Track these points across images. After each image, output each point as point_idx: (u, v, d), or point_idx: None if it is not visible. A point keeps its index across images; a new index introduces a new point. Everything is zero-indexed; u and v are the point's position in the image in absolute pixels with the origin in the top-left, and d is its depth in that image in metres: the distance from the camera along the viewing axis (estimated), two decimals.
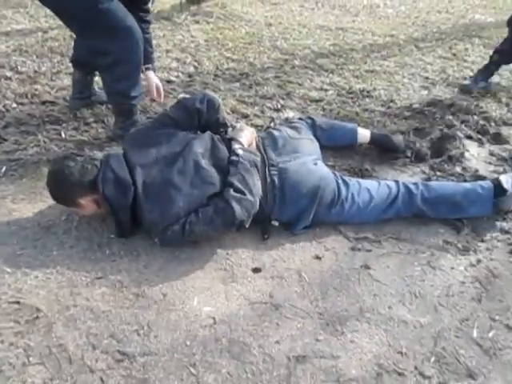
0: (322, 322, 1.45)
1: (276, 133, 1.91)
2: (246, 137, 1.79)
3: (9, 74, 2.78)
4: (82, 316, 1.39)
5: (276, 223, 1.77)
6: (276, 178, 1.72)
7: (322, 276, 1.61)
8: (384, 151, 2.28)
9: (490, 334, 1.46)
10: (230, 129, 1.86)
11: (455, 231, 1.86)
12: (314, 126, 2.11)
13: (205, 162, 1.64)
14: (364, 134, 2.24)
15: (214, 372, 1.28)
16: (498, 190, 1.86)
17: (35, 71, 2.83)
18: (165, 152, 1.67)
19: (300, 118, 2.18)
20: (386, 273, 1.65)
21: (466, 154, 2.35)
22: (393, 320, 1.48)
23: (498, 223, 1.91)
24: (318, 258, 1.68)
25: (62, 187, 1.61)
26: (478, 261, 1.73)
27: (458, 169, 2.24)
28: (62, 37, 3.43)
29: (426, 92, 3.06)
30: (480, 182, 1.92)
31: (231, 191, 1.55)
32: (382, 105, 2.81)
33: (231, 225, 1.55)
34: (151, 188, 1.57)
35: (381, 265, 1.68)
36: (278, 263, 1.64)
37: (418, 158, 2.29)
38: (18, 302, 1.41)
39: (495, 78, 3.16)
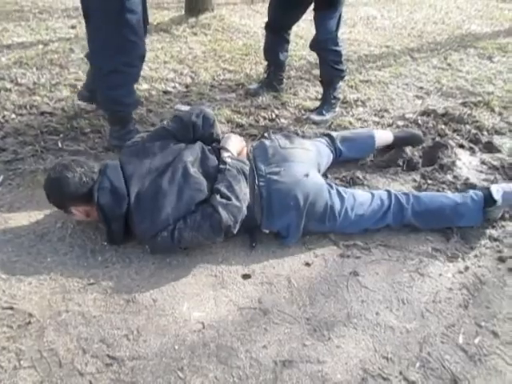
0: (309, 328, 1.47)
1: (267, 142, 1.93)
2: (235, 145, 1.84)
3: (9, 85, 2.85)
4: (74, 321, 1.42)
5: (266, 231, 1.79)
6: (264, 190, 1.73)
7: (311, 282, 1.64)
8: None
9: (476, 340, 1.48)
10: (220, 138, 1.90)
11: (444, 238, 1.88)
12: (332, 142, 2.16)
13: (194, 171, 1.68)
14: (383, 137, 2.33)
15: (201, 376, 1.30)
16: (488, 200, 1.88)
17: (34, 83, 2.89)
18: (157, 163, 1.71)
19: (320, 136, 2.25)
20: (375, 279, 1.67)
21: (458, 163, 2.38)
22: (379, 326, 1.50)
23: (487, 231, 1.93)
24: (307, 264, 1.71)
25: (57, 195, 1.66)
26: (466, 268, 1.75)
27: (450, 177, 2.27)
28: (62, 49, 3.50)
29: (419, 102, 3.10)
30: (471, 193, 1.93)
31: (218, 197, 1.59)
32: (375, 114, 2.85)
33: (218, 230, 1.57)
34: (143, 198, 1.61)
35: (369, 271, 1.71)
36: (267, 269, 1.67)
37: (410, 166, 2.32)
38: (11, 308, 1.44)
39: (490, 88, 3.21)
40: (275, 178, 1.76)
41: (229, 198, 1.58)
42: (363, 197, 1.86)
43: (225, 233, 1.59)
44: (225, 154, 1.77)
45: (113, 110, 2.15)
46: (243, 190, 1.65)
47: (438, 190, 2.16)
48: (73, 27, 4.09)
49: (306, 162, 1.90)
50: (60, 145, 2.28)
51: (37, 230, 1.76)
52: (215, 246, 1.73)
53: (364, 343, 1.44)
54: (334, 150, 2.14)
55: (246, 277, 1.63)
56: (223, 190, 1.61)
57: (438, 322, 1.53)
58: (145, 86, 3.00)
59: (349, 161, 2.27)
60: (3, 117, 2.49)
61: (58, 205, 1.70)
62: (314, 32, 2.66)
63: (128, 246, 1.71)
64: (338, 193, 1.82)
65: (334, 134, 2.23)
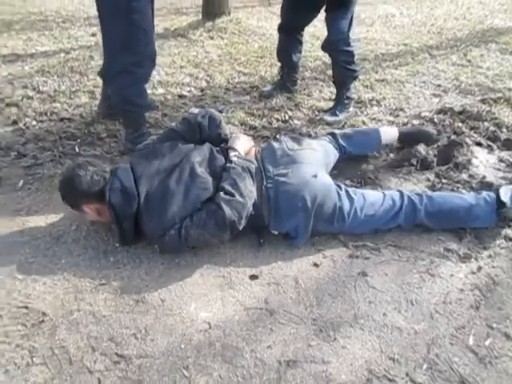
0: (315, 328, 1.47)
1: (275, 144, 1.94)
2: (243, 145, 1.86)
3: (31, 93, 2.95)
4: (85, 320, 1.47)
5: (275, 232, 1.80)
6: (271, 192, 1.74)
7: (319, 283, 1.64)
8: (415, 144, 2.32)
9: (487, 342, 1.45)
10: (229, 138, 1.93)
11: (457, 238, 1.85)
12: (335, 139, 2.16)
13: (201, 170, 1.72)
14: (390, 132, 2.29)
15: (206, 375, 1.32)
16: (498, 202, 1.85)
17: (55, 90, 2.99)
18: (166, 164, 1.75)
19: (324, 135, 2.25)
20: (384, 280, 1.66)
21: (474, 161, 2.33)
22: (387, 327, 1.48)
23: (503, 230, 1.89)
24: (315, 265, 1.71)
25: (70, 193, 1.73)
26: (479, 268, 1.72)
27: (465, 176, 2.22)
28: (82, 57, 3.60)
29: (437, 100, 3.04)
30: (484, 195, 1.89)
31: (221, 194, 1.62)
32: (391, 113, 2.82)
33: (223, 226, 1.59)
34: (152, 198, 1.65)
35: (379, 272, 1.69)
36: (275, 270, 1.68)
37: (424, 165, 2.29)
38: (26, 307, 1.50)
39: None
40: (283, 179, 1.77)
41: (232, 195, 1.62)
42: (374, 197, 1.85)
43: (230, 229, 1.61)
44: (232, 154, 1.80)
45: (124, 109, 2.21)
46: (248, 187, 1.67)
47: (452, 190, 2.12)
48: (93, 35, 4.20)
49: (314, 162, 1.89)
50: (77, 149, 2.35)
51: (53, 233, 1.82)
52: (223, 246, 1.75)
53: (370, 344, 1.43)
54: (337, 147, 2.14)
55: (253, 277, 1.64)
56: (227, 187, 1.64)
57: (448, 323, 1.51)
58: (160, 90, 3.06)
59: (356, 158, 2.26)
60: (24, 124, 2.58)
61: (71, 203, 1.77)
62: (323, 29, 2.65)
63: (139, 247, 1.75)
64: (347, 193, 1.81)
65: (336, 131, 2.23)
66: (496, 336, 1.47)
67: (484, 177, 2.21)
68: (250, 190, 1.67)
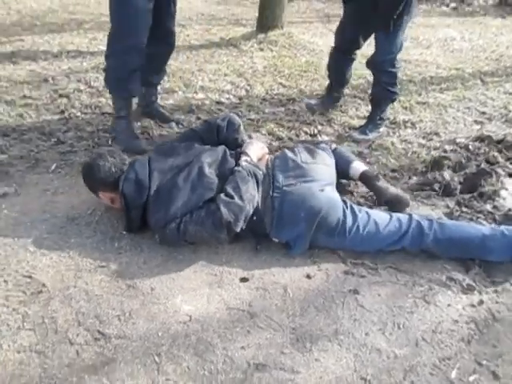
0: (293, 337, 1.47)
1: (289, 154, 1.95)
2: (256, 151, 1.92)
3: (82, 87, 3.19)
4: (78, 296, 1.57)
5: (276, 239, 1.82)
6: (277, 201, 1.76)
7: (307, 294, 1.63)
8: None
9: (471, 378, 1.38)
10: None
11: (463, 269, 1.77)
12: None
13: (209, 171, 1.79)
14: (357, 168, 2.08)
15: (175, 364, 1.36)
16: None
17: (104, 86, 3.19)
18: (179, 162, 1.85)
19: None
20: (375, 300, 1.62)
21: (502, 192, 2.21)
22: (366, 346, 1.46)
23: None
24: (308, 276, 1.71)
25: (89, 179, 1.89)
26: (481, 302, 1.64)
27: (489, 206, 2.12)
28: None
29: (478, 127, 2.93)
30: (503, 228, 1.80)
31: (222, 196, 1.69)
32: (424, 137, 2.75)
33: (220, 226, 1.65)
34: (160, 192, 1.75)
35: (371, 292, 1.66)
36: (266, 276, 1.70)
37: (446, 191, 2.21)
38: (30, 277, 1.63)
39: None
40: (290, 189, 1.79)
41: (232, 197, 1.67)
42: (379, 216, 1.81)
43: (227, 230, 1.67)
44: (243, 158, 1.86)
45: (110, 90, 2.47)
46: (250, 191, 1.71)
47: (471, 219, 2.04)
48: None
49: (325, 179, 1.89)
50: (110, 142, 2.51)
51: (70, 214, 1.95)
52: (222, 246, 1.79)
53: (345, 361, 1.41)
54: None
55: (243, 280, 1.67)
56: (229, 189, 1.70)
57: (433, 352, 1.45)
58: (200, 95, 3.18)
59: None
60: (69, 114, 2.79)
61: (89, 188, 1.92)
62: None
63: (145, 237, 1.84)
64: (352, 209, 1.80)
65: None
66: (483, 373, 1.40)
67: (510, 209, 2.10)
68: (251, 194, 1.71)
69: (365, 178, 2.07)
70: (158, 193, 1.75)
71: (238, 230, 1.69)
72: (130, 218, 1.79)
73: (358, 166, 2.08)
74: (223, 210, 1.64)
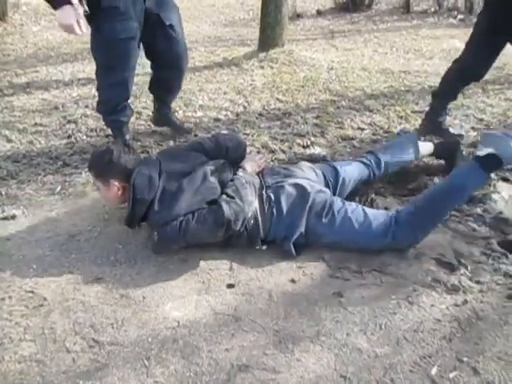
0: (276, 339, 1.53)
1: (275, 167, 2.21)
2: (252, 166, 2.07)
3: (89, 112, 3.36)
4: (75, 307, 1.67)
5: (264, 247, 1.91)
6: (272, 195, 1.93)
7: (291, 298, 1.70)
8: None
9: (451, 375, 1.41)
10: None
11: (449, 270, 1.81)
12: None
13: (212, 178, 1.92)
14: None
15: (163, 367, 1.44)
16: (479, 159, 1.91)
17: None
18: (186, 168, 1.96)
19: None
20: (357, 302, 1.67)
21: (494, 196, 2.24)
22: (347, 346, 1.51)
23: (504, 266, 1.81)
24: (293, 281, 1.77)
25: (105, 162, 1.93)
26: (465, 301, 1.67)
27: (479, 210, 2.16)
28: (142, 81, 3.98)
29: (474, 133, 2.95)
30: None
31: (223, 196, 1.82)
32: None
33: (221, 224, 1.75)
34: (166, 193, 1.86)
35: (355, 294, 1.71)
36: (253, 282, 1.77)
37: None
38: (32, 292, 1.74)
39: None
40: (280, 185, 1.97)
41: (232, 198, 1.80)
42: (366, 208, 1.96)
43: (226, 228, 1.76)
44: (240, 170, 2.02)
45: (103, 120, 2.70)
46: (248, 195, 1.83)
47: (459, 222, 2.08)
48: None
49: (312, 178, 2.06)
50: None
51: (71, 231, 2.08)
52: (211, 255, 1.88)
53: (326, 360, 1.46)
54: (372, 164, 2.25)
55: (230, 286, 1.75)
56: (229, 192, 1.83)
57: (414, 350, 1.49)
58: (199, 113, 3.32)
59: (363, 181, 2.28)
60: (75, 138, 2.96)
61: (99, 171, 1.95)
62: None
63: (136, 250, 1.94)
64: (341, 199, 1.98)
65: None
66: (464, 369, 1.43)
67: (500, 212, 2.13)
68: (250, 197, 1.84)
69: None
70: (163, 193, 1.86)
71: (237, 228, 1.79)
72: (133, 212, 1.88)
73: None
74: (225, 207, 1.75)
